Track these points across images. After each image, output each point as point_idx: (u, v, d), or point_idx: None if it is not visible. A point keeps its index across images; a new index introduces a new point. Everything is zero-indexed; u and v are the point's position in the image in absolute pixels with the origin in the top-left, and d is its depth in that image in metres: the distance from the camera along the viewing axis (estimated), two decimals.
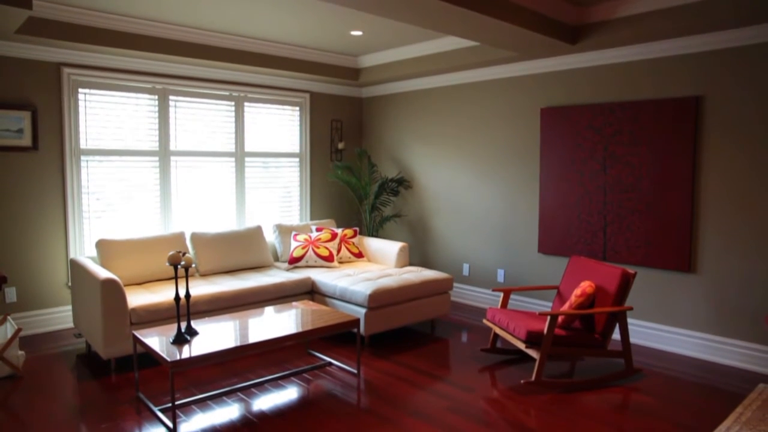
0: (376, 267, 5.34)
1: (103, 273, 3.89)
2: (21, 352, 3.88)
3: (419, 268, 5.18)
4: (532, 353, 3.67)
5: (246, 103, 6.04)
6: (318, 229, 5.67)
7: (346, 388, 3.68)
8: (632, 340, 4.71)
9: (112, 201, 5.18)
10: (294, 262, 5.35)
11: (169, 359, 3.01)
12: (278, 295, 4.74)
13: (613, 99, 4.71)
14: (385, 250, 5.58)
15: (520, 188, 5.45)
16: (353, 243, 5.73)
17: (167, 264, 3.30)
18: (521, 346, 3.72)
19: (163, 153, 5.44)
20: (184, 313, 4.09)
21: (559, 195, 5.09)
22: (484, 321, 4.24)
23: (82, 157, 4.98)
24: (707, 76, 4.19)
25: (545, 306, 5.30)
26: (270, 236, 5.98)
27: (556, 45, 4.47)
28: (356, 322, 3.87)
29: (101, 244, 4.51)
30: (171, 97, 5.46)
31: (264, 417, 3.25)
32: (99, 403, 3.41)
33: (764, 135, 3.95)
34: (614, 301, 3.78)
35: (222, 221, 5.95)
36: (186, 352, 3.12)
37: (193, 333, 3.42)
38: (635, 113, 4.53)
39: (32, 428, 3.09)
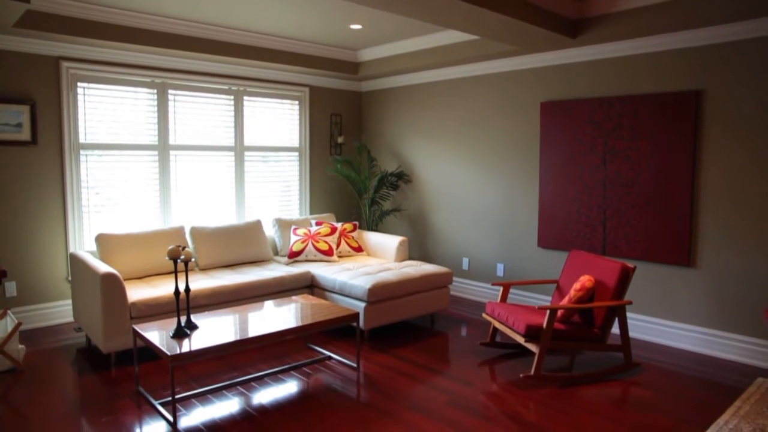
0: (376, 261, 5.34)
1: (102, 267, 3.89)
2: (21, 346, 3.89)
3: (419, 263, 5.19)
4: (532, 347, 3.68)
5: (245, 97, 6.03)
6: (317, 224, 5.67)
7: (346, 382, 3.69)
8: (631, 334, 4.72)
9: (112, 195, 5.18)
10: (293, 256, 5.35)
11: (169, 353, 3.01)
12: (278, 290, 4.75)
13: (613, 93, 4.70)
14: (385, 244, 5.59)
15: (519, 182, 5.45)
16: (353, 237, 5.74)
17: (167, 258, 3.30)
18: (520, 340, 3.73)
19: (163, 147, 5.43)
20: (183, 307, 4.10)
21: (558, 189, 5.09)
22: (484, 315, 4.25)
23: (82, 152, 4.97)
24: (707, 71, 4.18)
25: (545, 300, 5.31)
26: (269, 230, 5.98)
27: (557, 39, 4.46)
28: (356, 316, 3.87)
29: (101, 239, 4.51)
30: (170, 91, 5.44)
31: (264, 411, 3.26)
32: (99, 397, 3.42)
33: (764, 129, 3.94)
34: (614, 295, 3.78)
35: (221, 215, 5.95)
36: (186, 346, 3.13)
37: (192, 327, 3.42)
38: (635, 107, 4.52)
39: (33, 422, 3.10)
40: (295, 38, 5.65)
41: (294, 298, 4.31)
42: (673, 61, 4.35)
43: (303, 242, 5.38)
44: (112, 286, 3.79)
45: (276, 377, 3.78)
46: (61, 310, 4.97)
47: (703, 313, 4.31)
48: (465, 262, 6.02)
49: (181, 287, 4.27)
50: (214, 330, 3.42)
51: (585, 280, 3.79)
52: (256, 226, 5.47)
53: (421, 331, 4.86)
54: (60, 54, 4.78)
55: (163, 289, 4.22)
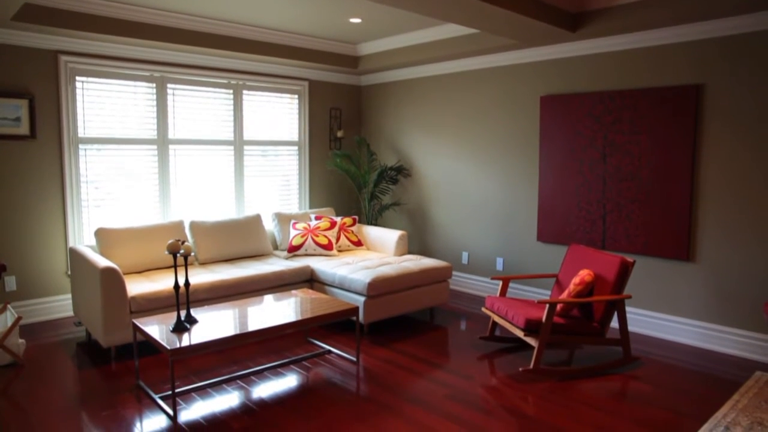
0: (375, 255, 5.35)
1: (102, 261, 3.89)
2: (21, 341, 3.89)
3: (418, 257, 5.19)
4: (531, 341, 3.69)
5: (244, 91, 6.02)
6: (317, 218, 5.67)
7: (346, 376, 3.70)
8: (631, 328, 4.73)
9: (111, 189, 5.17)
10: (293, 250, 5.35)
11: (168, 347, 3.02)
12: (277, 284, 4.75)
13: (613, 87, 4.69)
14: (384, 238, 5.59)
15: (519, 177, 5.44)
16: (352, 231, 5.74)
17: (166, 252, 3.30)
18: (520, 334, 3.74)
19: (162, 141, 5.42)
20: (183, 302, 4.11)
21: (558, 183, 5.08)
22: (483, 309, 4.26)
23: (80, 146, 4.96)
24: (707, 65, 4.17)
25: (544, 294, 5.32)
26: (269, 225, 5.98)
27: (556, 32, 4.44)
28: (355, 310, 3.88)
29: (100, 233, 4.50)
30: (169, 85, 5.43)
31: (264, 404, 3.27)
32: (99, 391, 3.42)
33: (765, 124, 3.94)
34: (613, 289, 3.79)
35: (221, 210, 5.95)
36: (186, 340, 3.13)
37: (192, 321, 3.43)
38: (635, 101, 4.51)
39: (33, 416, 3.10)
40: (294, 32, 5.63)
41: (293, 292, 4.31)
42: (674, 55, 4.34)
43: (302, 236, 5.38)
44: (112, 280, 3.79)
45: (276, 371, 3.79)
46: (61, 305, 4.98)
47: (702, 308, 4.32)
48: (464, 256, 6.02)
49: (181, 281, 4.27)
50: (213, 324, 3.42)
51: (584, 275, 3.80)
52: (256, 220, 5.47)
53: (421, 325, 4.87)
54: (58, 48, 4.76)
55: (162, 283, 4.23)
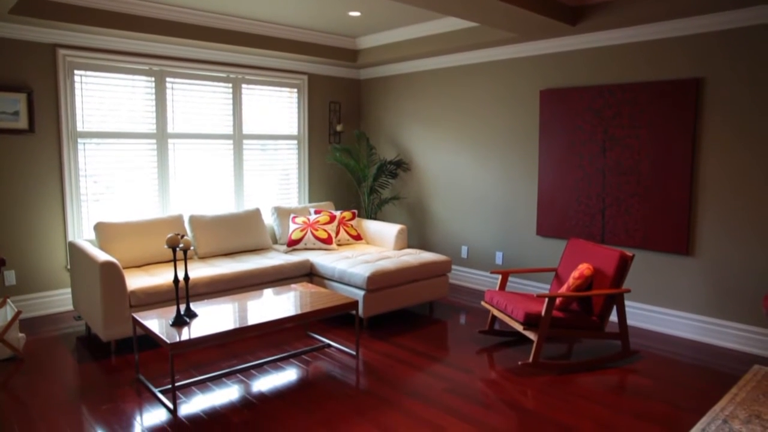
0: (375, 249, 5.35)
1: (101, 256, 3.89)
2: (21, 335, 3.90)
3: (418, 251, 5.19)
4: (530, 335, 3.69)
5: (244, 85, 6.00)
6: (316, 212, 5.67)
7: (345, 370, 3.71)
8: (630, 322, 4.74)
9: (110, 184, 5.17)
10: (292, 244, 5.35)
11: (168, 341, 3.02)
12: (277, 278, 4.75)
13: (613, 81, 4.67)
14: (384, 232, 5.59)
15: (518, 171, 5.44)
16: (352, 225, 5.73)
17: (166, 246, 3.30)
18: (519, 328, 3.74)
19: (161, 135, 5.41)
20: (183, 296, 4.12)
21: (557, 177, 5.08)
22: (482, 303, 4.26)
23: (79, 140, 4.95)
24: (707, 58, 4.16)
25: (543, 288, 5.32)
26: (268, 219, 5.97)
27: (556, 26, 4.43)
28: (355, 304, 3.88)
29: (100, 227, 4.50)
30: (168, 79, 5.41)
31: (263, 398, 3.28)
32: (99, 385, 3.43)
33: (765, 118, 3.93)
34: (612, 283, 3.79)
35: (220, 204, 5.94)
36: (185, 334, 3.13)
37: (192, 315, 3.43)
38: (635, 95, 4.50)
39: (33, 410, 3.11)
40: (293, 25, 5.61)
41: (293, 286, 4.32)
42: (673, 49, 4.32)
43: (302, 230, 5.38)
44: (112, 274, 3.79)
45: (275, 365, 3.79)
46: (60, 299, 4.98)
47: (701, 302, 4.33)
48: (464, 250, 6.02)
49: (181, 275, 4.27)
50: (213, 318, 3.43)
51: (584, 269, 3.80)
52: (255, 214, 5.47)
53: (420, 319, 4.87)
54: (57, 41, 4.74)
55: (162, 277, 4.23)
